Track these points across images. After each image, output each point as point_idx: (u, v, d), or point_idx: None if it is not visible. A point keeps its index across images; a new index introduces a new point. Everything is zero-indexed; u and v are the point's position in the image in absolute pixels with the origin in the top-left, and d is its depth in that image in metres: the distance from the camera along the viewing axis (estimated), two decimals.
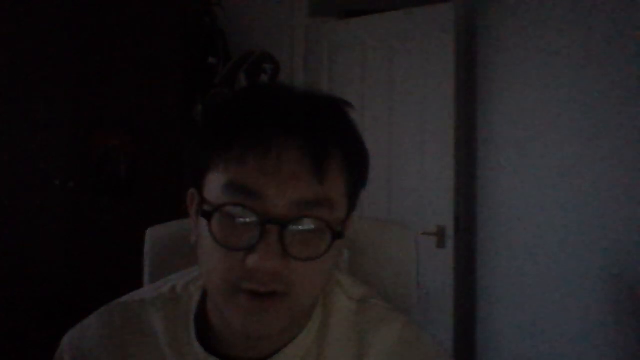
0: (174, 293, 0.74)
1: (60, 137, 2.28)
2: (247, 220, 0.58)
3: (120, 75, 2.30)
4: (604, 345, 1.81)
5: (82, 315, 0.76)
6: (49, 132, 2.26)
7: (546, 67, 2.07)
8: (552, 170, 2.05)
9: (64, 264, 2.28)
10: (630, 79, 1.71)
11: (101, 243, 2.27)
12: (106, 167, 2.32)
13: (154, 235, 0.99)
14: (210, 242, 0.60)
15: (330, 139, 0.61)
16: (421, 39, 2.47)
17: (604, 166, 1.82)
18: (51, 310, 2.17)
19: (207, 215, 0.60)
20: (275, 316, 0.60)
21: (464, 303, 2.49)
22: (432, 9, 2.44)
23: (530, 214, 2.16)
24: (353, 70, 2.67)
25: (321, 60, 2.77)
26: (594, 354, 1.85)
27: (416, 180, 2.49)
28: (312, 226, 0.59)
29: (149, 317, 0.73)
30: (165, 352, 0.70)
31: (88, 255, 2.28)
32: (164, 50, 2.35)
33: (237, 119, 0.61)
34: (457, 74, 2.39)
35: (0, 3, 2.20)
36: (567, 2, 1.98)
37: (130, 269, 1.18)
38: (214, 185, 0.60)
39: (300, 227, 0.59)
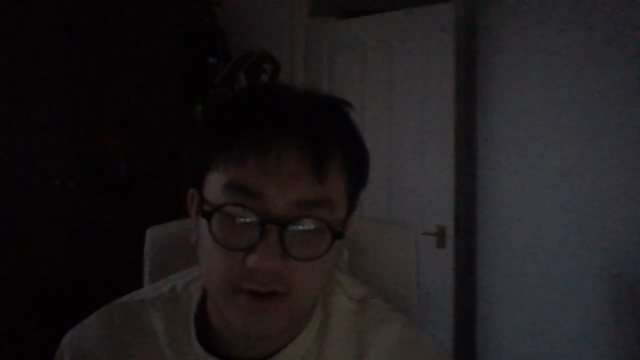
0: (174, 293, 0.74)
1: (60, 137, 2.28)
2: (247, 220, 0.58)
3: (120, 75, 2.30)
4: (604, 345, 1.81)
5: (82, 315, 0.76)
6: (49, 132, 2.26)
7: (546, 67, 2.07)
8: (552, 170, 2.05)
9: (64, 264, 2.28)
10: (630, 79, 1.71)
11: (101, 243, 2.27)
12: (106, 167, 2.32)
13: (154, 235, 0.99)
14: (210, 242, 0.60)
15: (330, 139, 0.61)
16: (421, 39, 2.47)
17: (604, 166, 1.82)
18: (51, 310, 2.17)
19: (207, 216, 0.60)
20: (275, 316, 0.60)
21: (464, 303, 2.49)
22: (432, 9, 2.44)
23: (530, 214, 2.16)
24: (353, 70, 2.67)
25: (321, 60, 2.77)
26: (594, 354, 1.85)
27: (416, 180, 2.49)
28: (312, 226, 0.59)
29: (149, 317, 0.73)
30: (165, 352, 0.70)
31: (88, 255, 2.28)
32: (164, 50, 2.35)
33: (237, 119, 0.61)
34: (457, 74, 2.39)
35: (0, 3, 2.20)
36: (567, 2, 1.98)
37: (130, 269, 1.18)
38: (214, 185, 0.60)
39: (300, 227, 0.59)
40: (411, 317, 0.86)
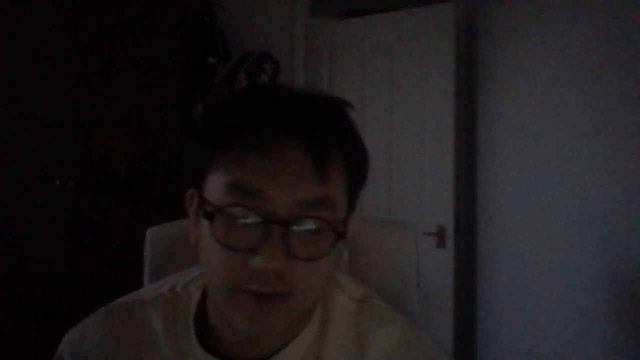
0: (173, 293, 0.74)
1: (60, 137, 2.28)
2: (249, 220, 0.58)
3: (120, 75, 2.31)
4: (604, 345, 1.81)
5: (82, 315, 0.76)
6: (49, 132, 2.26)
7: (546, 67, 2.07)
8: (552, 170, 2.05)
9: (64, 264, 2.28)
10: (630, 79, 1.71)
11: (101, 243, 2.27)
12: (106, 167, 2.32)
13: (154, 236, 0.99)
14: (211, 242, 0.60)
15: (330, 139, 0.61)
16: (421, 39, 2.47)
17: (604, 166, 1.82)
18: (51, 310, 2.17)
19: (209, 217, 0.60)
20: (277, 316, 0.60)
21: (464, 303, 2.49)
22: (432, 9, 2.45)
23: (530, 213, 2.16)
24: (353, 70, 2.67)
25: (321, 60, 2.77)
26: (594, 354, 1.85)
27: (416, 180, 2.49)
28: (314, 226, 0.59)
29: (148, 317, 0.73)
30: (165, 352, 0.70)
31: (88, 255, 2.29)
32: (164, 50, 2.35)
33: (237, 119, 0.61)
34: (457, 74, 2.39)
35: (0, 3, 2.20)
36: (567, 2, 1.98)
37: (130, 269, 1.18)
38: (215, 185, 0.60)
39: (303, 228, 0.59)
40: (411, 317, 0.86)
